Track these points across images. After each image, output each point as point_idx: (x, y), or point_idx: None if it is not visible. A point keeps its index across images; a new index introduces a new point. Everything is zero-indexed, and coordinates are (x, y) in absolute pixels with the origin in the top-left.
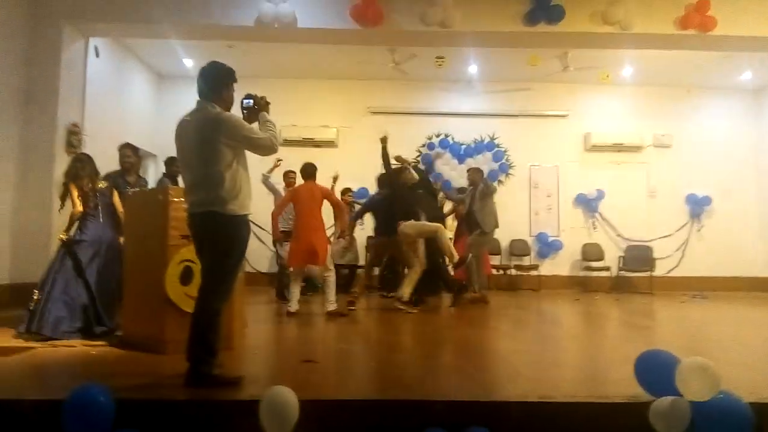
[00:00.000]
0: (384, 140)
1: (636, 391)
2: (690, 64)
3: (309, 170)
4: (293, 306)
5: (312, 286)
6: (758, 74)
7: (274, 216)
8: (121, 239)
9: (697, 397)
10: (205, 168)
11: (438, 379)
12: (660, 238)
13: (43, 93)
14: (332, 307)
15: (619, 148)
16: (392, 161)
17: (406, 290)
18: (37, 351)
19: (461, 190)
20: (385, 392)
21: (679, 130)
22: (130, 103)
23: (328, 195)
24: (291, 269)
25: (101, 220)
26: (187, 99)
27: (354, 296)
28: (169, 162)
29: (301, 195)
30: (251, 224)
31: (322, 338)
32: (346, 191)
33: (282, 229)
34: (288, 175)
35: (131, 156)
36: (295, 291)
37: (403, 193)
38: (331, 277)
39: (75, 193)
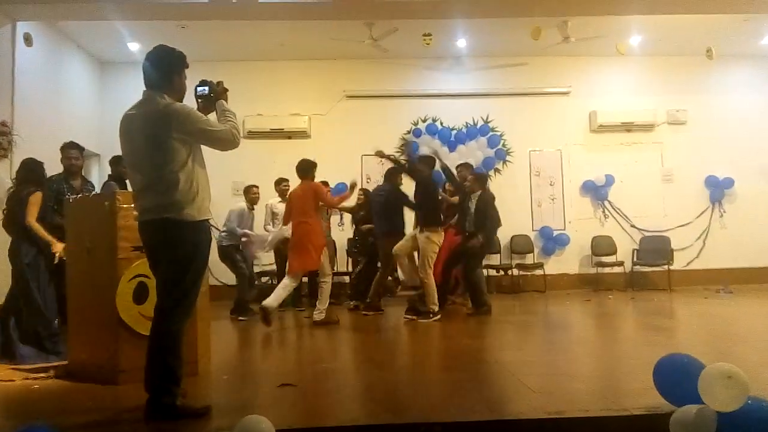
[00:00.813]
0: (380, 154)
1: (656, 402)
2: (705, 29)
3: (301, 167)
4: (270, 302)
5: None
6: None
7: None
8: (59, 248)
9: (723, 406)
10: (156, 168)
11: (435, 397)
12: (678, 227)
13: None
14: (320, 316)
15: (629, 127)
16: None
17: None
18: None
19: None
20: (375, 416)
21: (695, 104)
22: (69, 96)
23: (320, 195)
24: (289, 275)
25: None
26: (134, 88)
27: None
28: (115, 162)
29: (292, 197)
30: (212, 230)
31: (300, 357)
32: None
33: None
34: (280, 184)
35: (78, 157)
36: (282, 294)
37: (392, 196)
38: (326, 284)
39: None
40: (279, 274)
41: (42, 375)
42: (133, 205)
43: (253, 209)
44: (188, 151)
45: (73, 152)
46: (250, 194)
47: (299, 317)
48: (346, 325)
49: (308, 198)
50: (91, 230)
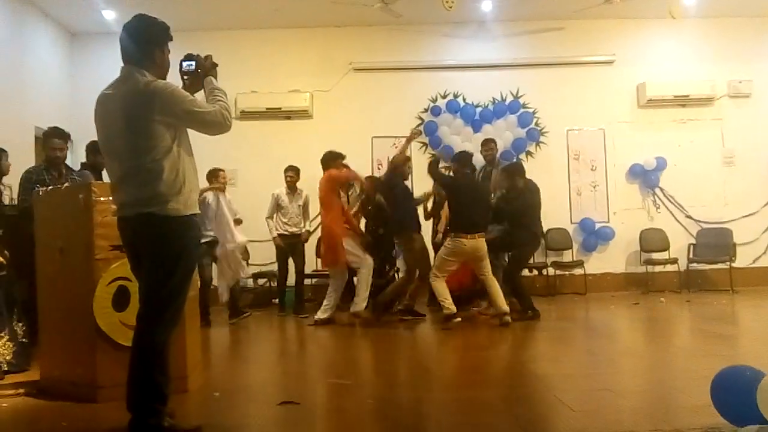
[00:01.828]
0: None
1: (714, 420)
2: None
3: (322, 160)
4: (320, 313)
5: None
6: None
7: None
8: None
9: None
10: (136, 156)
11: (459, 417)
12: (741, 217)
13: None
14: (354, 308)
15: (683, 101)
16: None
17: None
18: None
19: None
20: None
21: (761, 73)
22: (34, 71)
23: (330, 182)
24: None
25: None
26: (109, 63)
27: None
28: (92, 149)
29: (319, 190)
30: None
31: (304, 371)
32: None
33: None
34: (286, 174)
35: (63, 147)
36: (331, 297)
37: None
38: (362, 274)
39: None
40: (281, 275)
41: (10, 392)
42: (111, 198)
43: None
44: (173, 136)
45: (56, 141)
46: (286, 177)
47: (301, 324)
48: (356, 333)
49: (323, 190)
50: (64, 227)
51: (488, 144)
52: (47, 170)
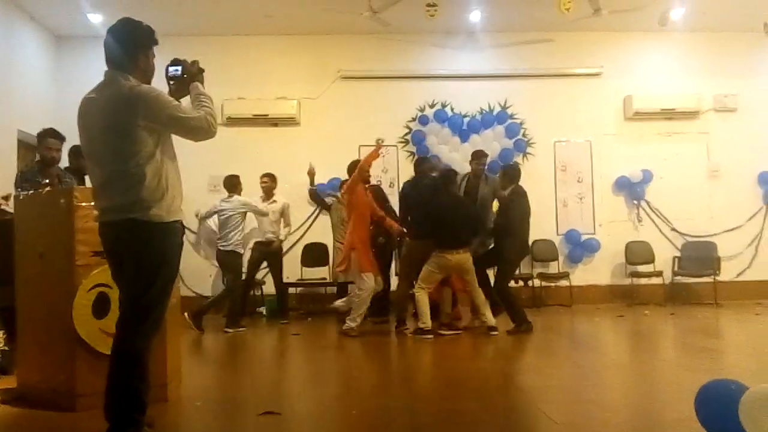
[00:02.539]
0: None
1: None
2: (761, 0)
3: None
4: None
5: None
6: None
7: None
8: None
9: None
10: (119, 161)
11: (442, 429)
12: (726, 231)
13: None
14: (349, 324)
15: (669, 114)
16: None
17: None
18: None
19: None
20: None
21: (746, 88)
22: (19, 75)
23: (347, 187)
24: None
25: None
26: (95, 67)
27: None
28: (75, 153)
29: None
30: (185, 233)
31: (286, 381)
32: None
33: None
34: (262, 180)
35: (60, 148)
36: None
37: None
38: (360, 291)
39: None
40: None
41: None
42: (92, 204)
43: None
44: (156, 142)
45: (52, 141)
46: (261, 184)
47: (286, 332)
48: (342, 343)
49: (344, 200)
50: (44, 232)
51: (481, 157)
52: (41, 172)
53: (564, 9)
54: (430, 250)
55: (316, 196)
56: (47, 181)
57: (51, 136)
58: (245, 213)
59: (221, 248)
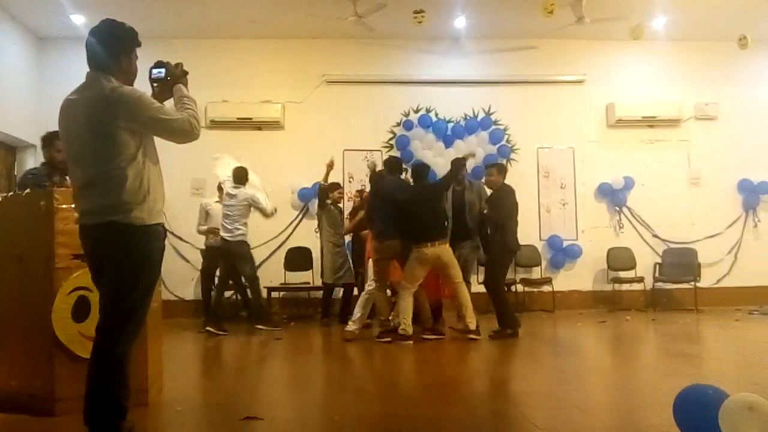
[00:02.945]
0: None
1: None
2: (739, 11)
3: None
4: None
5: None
6: None
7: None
8: None
9: None
10: (100, 163)
11: None
12: (706, 238)
13: None
14: (350, 328)
15: (651, 122)
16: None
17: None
18: None
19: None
20: None
21: (727, 97)
22: (1, 76)
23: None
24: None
25: None
26: (78, 69)
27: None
28: (47, 142)
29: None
30: (167, 235)
31: (268, 385)
32: None
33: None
34: (219, 188)
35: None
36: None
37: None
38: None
39: None
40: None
41: None
42: (73, 206)
43: None
44: (138, 144)
45: (59, 143)
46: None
47: (269, 337)
48: (326, 347)
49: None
50: (23, 234)
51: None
52: (49, 175)
53: (547, 12)
54: (396, 251)
55: (320, 193)
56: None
57: (58, 138)
58: (250, 205)
59: (229, 239)
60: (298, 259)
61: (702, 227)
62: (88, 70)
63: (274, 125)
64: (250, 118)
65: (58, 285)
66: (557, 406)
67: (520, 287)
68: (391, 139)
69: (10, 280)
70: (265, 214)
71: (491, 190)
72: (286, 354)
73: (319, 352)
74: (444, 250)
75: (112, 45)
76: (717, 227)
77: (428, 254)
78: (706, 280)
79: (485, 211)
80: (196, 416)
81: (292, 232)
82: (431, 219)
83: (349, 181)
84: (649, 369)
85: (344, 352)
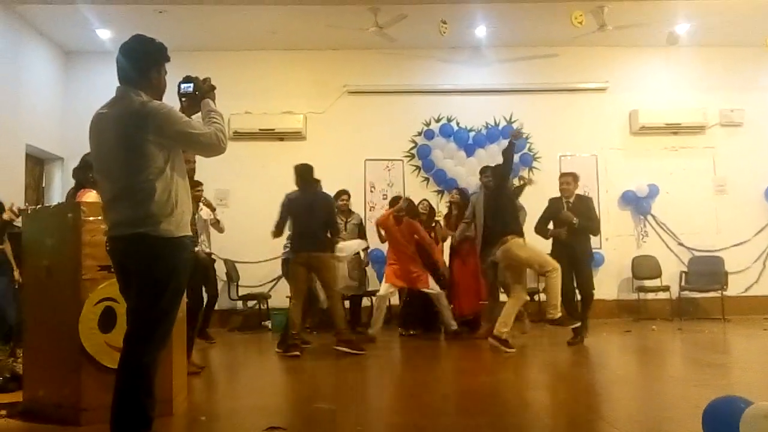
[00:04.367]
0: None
1: None
2: (765, 16)
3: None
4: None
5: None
6: None
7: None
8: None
9: None
10: (129, 176)
11: None
12: (733, 246)
13: None
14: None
15: (675, 129)
16: None
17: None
18: None
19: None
20: None
21: (752, 103)
22: (28, 90)
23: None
24: None
25: None
26: (103, 82)
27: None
28: (82, 168)
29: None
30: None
31: (294, 394)
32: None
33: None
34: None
35: None
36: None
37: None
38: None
39: None
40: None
41: None
42: (101, 218)
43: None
44: (166, 157)
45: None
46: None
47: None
48: (346, 358)
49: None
50: (51, 246)
51: (487, 171)
52: None
53: (577, 23)
54: (306, 261)
55: None
56: None
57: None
58: None
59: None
60: None
61: (728, 235)
62: (114, 84)
63: (296, 136)
64: (273, 129)
65: (85, 296)
66: (582, 418)
67: (542, 297)
68: (412, 148)
69: (38, 292)
70: None
71: (566, 199)
72: (307, 364)
73: (338, 362)
74: (314, 258)
75: (142, 60)
76: (744, 235)
77: (299, 266)
78: (734, 288)
79: (574, 221)
80: (220, 426)
81: None
82: (310, 225)
83: (371, 191)
84: (676, 380)
85: (363, 361)
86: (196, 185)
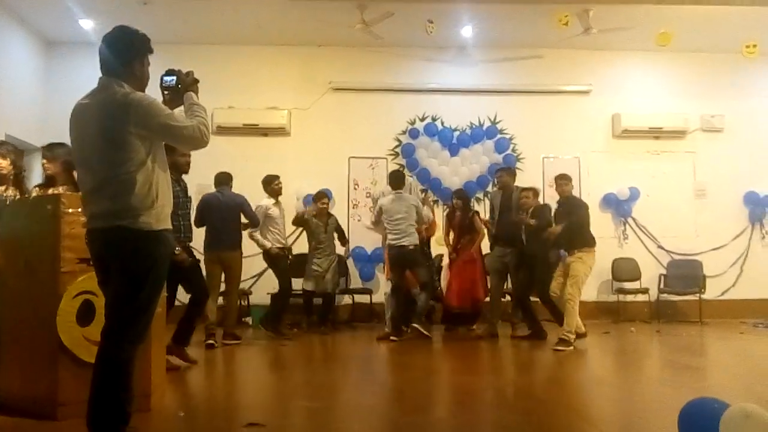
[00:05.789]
0: None
1: None
2: (746, 22)
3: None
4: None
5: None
6: None
7: None
8: None
9: None
10: (109, 168)
11: None
12: (712, 249)
13: None
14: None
15: (657, 133)
16: None
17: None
18: None
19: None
20: None
21: (733, 108)
22: (7, 80)
23: None
24: None
25: None
26: (86, 73)
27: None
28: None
29: None
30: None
31: (274, 391)
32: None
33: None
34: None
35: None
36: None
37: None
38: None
39: None
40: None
41: None
42: (81, 210)
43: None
44: (148, 149)
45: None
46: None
47: (273, 343)
48: (334, 354)
49: None
50: (29, 238)
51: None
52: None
53: (562, 23)
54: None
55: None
56: None
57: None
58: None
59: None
60: (302, 265)
61: (707, 239)
62: (96, 74)
63: (280, 131)
64: (257, 125)
65: (64, 289)
66: (561, 417)
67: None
68: (396, 147)
69: (16, 284)
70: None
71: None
72: (291, 360)
73: (322, 359)
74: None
75: (125, 51)
76: (722, 239)
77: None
78: (711, 292)
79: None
80: (199, 422)
81: (295, 240)
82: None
83: (355, 188)
84: (653, 381)
85: (349, 358)
86: (273, 179)
